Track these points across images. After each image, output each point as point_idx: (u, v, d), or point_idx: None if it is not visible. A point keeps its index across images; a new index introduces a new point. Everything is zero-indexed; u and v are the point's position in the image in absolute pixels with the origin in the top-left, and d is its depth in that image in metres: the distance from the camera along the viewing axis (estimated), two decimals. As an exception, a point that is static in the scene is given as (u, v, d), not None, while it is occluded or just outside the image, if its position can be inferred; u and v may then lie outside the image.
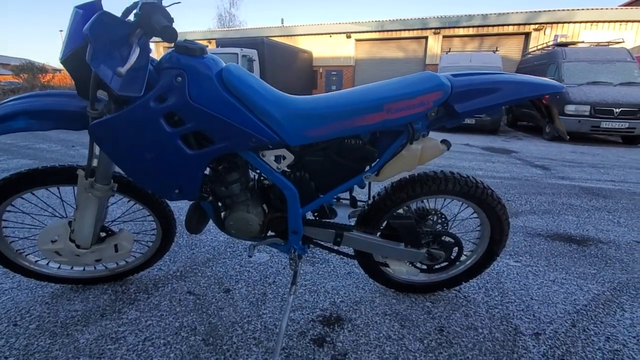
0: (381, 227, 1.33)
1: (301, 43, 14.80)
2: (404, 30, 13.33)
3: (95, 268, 1.60)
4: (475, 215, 1.38)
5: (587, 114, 6.30)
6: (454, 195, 1.24)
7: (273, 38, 12.40)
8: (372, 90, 1.02)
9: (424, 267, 1.42)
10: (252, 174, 1.27)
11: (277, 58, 10.83)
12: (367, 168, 1.13)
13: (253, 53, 9.60)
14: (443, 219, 1.40)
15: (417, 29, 13.15)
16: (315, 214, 1.33)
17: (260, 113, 1.01)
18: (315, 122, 1.02)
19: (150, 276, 1.67)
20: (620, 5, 14.20)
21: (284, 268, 1.74)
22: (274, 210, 1.24)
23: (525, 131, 8.10)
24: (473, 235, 2.02)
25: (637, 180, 3.80)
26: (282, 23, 19.27)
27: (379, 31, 13.75)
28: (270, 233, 1.31)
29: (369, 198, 1.27)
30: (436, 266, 1.39)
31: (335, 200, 1.21)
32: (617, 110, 6.09)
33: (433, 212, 1.39)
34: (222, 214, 1.27)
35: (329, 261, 1.81)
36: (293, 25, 15.43)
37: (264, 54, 9.91)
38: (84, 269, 1.59)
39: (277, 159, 1.12)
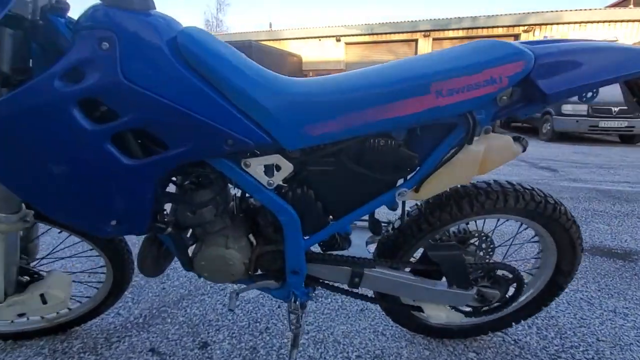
0: (411, 260, 0.98)
1: (290, 47, 14.52)
2: (394, 33, 13.22)
3: (28, 318, 1.20)
4: (535, 238, 1.04)
5: (585, 113, 6.15)
6: (515, 214, 0.90)
7: (261, 42, 12.08)
8: (412, 64, 0.68)
9: (469, 309, 1.06)
10: (233, 191, 0.90)
11: (266, 62, 10.49)
12: (401, 181, 0.77)
13: (240, 57, 9.26)
14: (489, 245, 1.06)
15: (407, 32, 13.05)
16: (321, 243, 0.97)
17: (240, 100, 0.65)
18: (323, 113, 0.67)
19: (103, 326, 1.27)
20: (607, 6, 14.45)
21: (278, 307, 1.36)
22: (264, 243, 0.87)
23: (520, 132, 7.94)
24: (521, 261, 1.69)
25: (651, 180, 3.57)
26: (270, 27, 18.98)
27: (369, 34, 13.60)
28: (259, 272, 0.93)
29: (402, 220, 0.91)
30: (486, 308, 1.04)
31: (351, 226, 0.85)
32: (616, 109, 5.95)
33: (477, 235, 1.05)
34: (191, 248, 0.89)
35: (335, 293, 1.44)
36: (281, 30, 15.17)
37: (252, 58, 9.49)
38: (11, 321, 1.18)
39: (268, 170, 0.76)
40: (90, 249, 1.09)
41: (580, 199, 2.92)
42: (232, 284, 0.93)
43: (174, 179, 0.91)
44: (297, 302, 0.88)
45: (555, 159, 4.88)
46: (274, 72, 0.72)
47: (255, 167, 0.72)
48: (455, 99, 0.64)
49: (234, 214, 0.87)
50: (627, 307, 1.39)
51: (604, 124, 6.04)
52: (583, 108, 6.12)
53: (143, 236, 0.89)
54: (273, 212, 0.77)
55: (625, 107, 5.90)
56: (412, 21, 12.97)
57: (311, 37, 14.50)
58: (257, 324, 1.26)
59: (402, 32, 13.12)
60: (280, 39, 14.78)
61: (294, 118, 0.67)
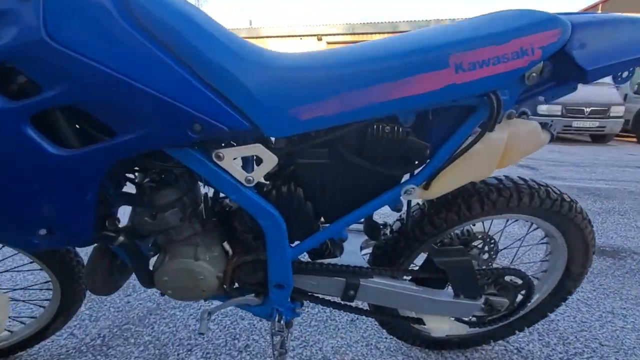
0: (410, 268, 0.87)
1: (270, 45, 14.25)
2: (375, 33, 13.25)
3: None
4: (545, 240, 0.95)
5: (559, 113, 6.33)
6: (527, 214, 0.80)
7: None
8: (427, 34, 0.56)
9: (474, 319, 0.96)
10: (204, 190, 0.75)
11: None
12: (407, 176, 0.65)
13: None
14: (493, 247, 0.96)
15: (388, 32, 13.12)
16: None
17: (210, 73, 0.50)
18: (316, 92, 0.53)
19: (53, 349, 1.08)
20: (581, 10, 15.10)
21: (260, 320, 1.22)
22: (242, 252, 0.73)
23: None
24: (527, 264, 1.61)
25: (625, 178, 3.69)
26: (250, 24, 18.59)
27: (350, 34, 13.57)
28: (236, 286, 0.79)
29: (406, 222, 0.79)
30: (492, 317, 0.94)
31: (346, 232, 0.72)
32: (588, 109, 6.17)
33: (480, 237, 0.95)
34: (152, 261, 0.73)
35: (323, 303, 1.31)
36: (262, 27, 14.86)
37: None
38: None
39: (247, 163, 0.62)
40: (30, 262, 0.90)
41: (562, 196, 2.93)
42: (204, 301, 0.78)
43: (130, 175, 0.75)
44: (282, 321, 0.74)
45: (533, 157, 4.97)
46: (252, 43, 0.58)
47: (231, 159, 0.57)
48: (478, 75, 0.52)
49: (205, 217, 0.72)
50: (624, 308, 1.34)
51: (577, 124, 6.25)
52: (557, 108, 6.30)
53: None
54: (253, 216, 0.63)
55: (597, 108, 6.13)
56: (392, 22, 13.06)
57: (292, 36, 14.30)
58: (236, 342, 1.11)
59: (383, 33, 13.18)
60: (260, 37, 14.49)
61: (278, 98, 0.53)
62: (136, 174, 0.71)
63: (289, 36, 14.34)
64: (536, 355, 1.09)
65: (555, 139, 6.99)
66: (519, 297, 0.93)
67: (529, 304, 0.97)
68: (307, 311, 1.27)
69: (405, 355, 1.07)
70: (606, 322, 1.25)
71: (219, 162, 0.57)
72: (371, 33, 13.33)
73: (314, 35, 13.93)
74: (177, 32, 0.49)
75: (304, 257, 0.88)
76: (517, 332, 1.06)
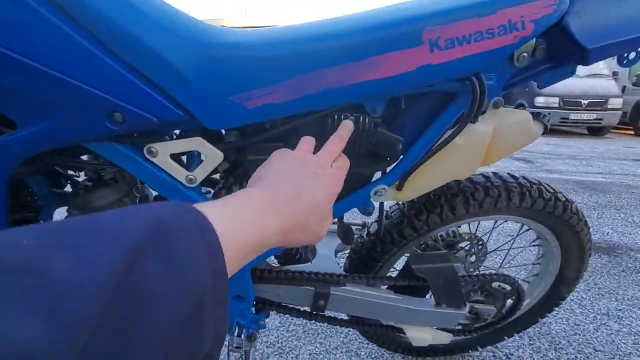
0: (388, 275, 0.79)
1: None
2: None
3: None
4: (537, 242, 0.87)
5: (556, 105, 6.24)
6: (517, 215, 0.72)
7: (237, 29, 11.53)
8: (397, 6, 0.46)
9: (459, 327, 0.89)
10: (145, 191, 0.66)
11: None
12: (379, 175, 0.56)
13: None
14: (481, 248, 0.89)
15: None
16: (277, 255, 0.76)
17: (132, 52, 0.41)
18: (264, 75, 0.44)
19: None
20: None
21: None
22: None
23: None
24: (518, 268, 1.54)
25: (622, 171, 3.63)
26: (245, 14, 18.19)
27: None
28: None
29: (380, 224, 0.70)
30: (478, 324, 0.87)
31: None
32: (585, 101, 6.08)
33: (467, 239, 0.87)
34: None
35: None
36: (256, 16, 14.58)
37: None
38: None
39: (190, 160, 0.53)
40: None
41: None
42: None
43: (71, 172, 0.66)
44: (243, 335, 0.66)
45: (528, 150, 4.90)
46: (193, 17, 0.48)
47: (166, 156, 0.48)
48: (457, 54, 0.43)
49: None
50: (620, 309, 1.28)
51: (574, 116, 6.17)
52: (555, 100, 6.21)
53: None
54: None
55: (595, 100, 6.04)
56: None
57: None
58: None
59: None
60: (255, 27, 14.22)
61: (218, 82, 0.44)
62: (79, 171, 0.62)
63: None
64: (526, 362, 1.02)
65: (548, 131, 6.93)
66: (509, 303, 0.85)
67: (519, 310, 0.90)
68: (285, 317, 1.20)
69: (387, 363, 1.00)
70: (601, 325, 1.19)
71: (152, 159, 0.48)
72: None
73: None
74: (88, 2, 0.39)
75: (272, 261, 0.80)
76: (506, 337, 0.99)
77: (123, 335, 0.17)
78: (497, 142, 0.52)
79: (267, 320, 1.11)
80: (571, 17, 0.44)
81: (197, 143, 0.48)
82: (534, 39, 0.45)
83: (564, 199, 0.71)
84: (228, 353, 0.68)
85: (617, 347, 1.09)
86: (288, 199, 0.36)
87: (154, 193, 0.68)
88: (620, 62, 0.50)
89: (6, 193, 0.46)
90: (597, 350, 1.07)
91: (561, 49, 0.46)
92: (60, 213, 0.72)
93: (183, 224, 0.22)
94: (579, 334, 1.14)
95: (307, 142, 0.44)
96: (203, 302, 0.21)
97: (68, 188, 0.66)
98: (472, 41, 0.43)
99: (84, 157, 0.58)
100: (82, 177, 0.67)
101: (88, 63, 0.40)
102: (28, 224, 0.56)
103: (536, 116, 0.55)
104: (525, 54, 0.46)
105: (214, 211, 0.27)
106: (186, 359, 0.20)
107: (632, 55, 0.49)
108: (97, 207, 0.57)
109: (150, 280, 0.18)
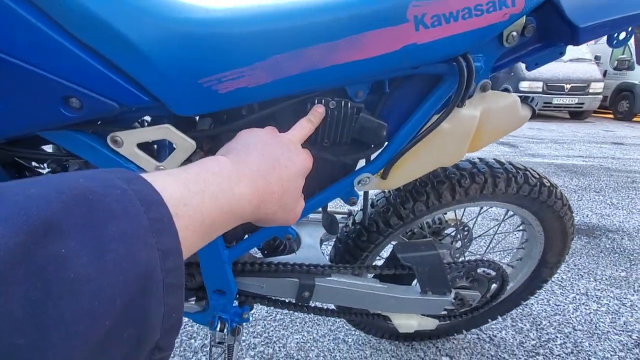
0: (373, 264, 0.78)
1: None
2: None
3: None
4: (521, 227, 0.87)
5: (540, 90, 6.32)
6: (504, 201, 0.71)
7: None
8: None
9: (444, 312, 0.89)
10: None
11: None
12: (362, 163, 0.54)
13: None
14: (467, 234, 0.89)
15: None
16: (261, 247, 0.74)
17: (88, 29, 0.37)
18: (236, 56, 0.41)
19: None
20: None
21: (221, 316, 1.12)
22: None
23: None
24: (503, 253, 1.56)
25: (602, 154, 3.73)
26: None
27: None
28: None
29: (363, 216, 0.69)
30: (463, 309, 0.88)
31: (293, 229, 0.61)
32: (568, 86, 6.18)
33: (453, 225, 0.87)
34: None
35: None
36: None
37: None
38: None
39: (161, 149, 0.49)
40: None
41: (540, 174, 2.93)
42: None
43: (35, 163, 0.61)
44: (226, 330, 0.65)
45: (513, 134, 4.97)
46: None
47: (132, 145, 0.44)
48: (443, 33, 0.40)
49: None
50: (598, 289, 1.32)
51: (557, 100, 6.27)
52: (538, 85, 6.28)
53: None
54: None
55: (577, 84, 6.14)
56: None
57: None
58: (192, 341, 1.01)
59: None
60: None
61: (185, 63, 0.40)
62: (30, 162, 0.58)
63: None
64: (509, 343, 1.05)
65: (536, 115, 7.05)
66: (493, 288, 0.86)
67: (503, 294, 0.91)
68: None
69: (374, 349, 1.01)
70: (580, 305, 1.23)
71: (117, 149, 0.44)
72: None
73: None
74: None
75: (256, 252, 0.78)
76: (490, 320, 1.01)
77: (32, 333, 0.13)
78: (485, 127, 0.50)
79: (253, 309, 1.10)
80: None
81: (165, 131, 0.44)
82: (524, 16, 0.42)
83: (549, 184, 0.71)
84: (210, 348, 0.66)
85: (596, 326, 1.12)
86: (260, 168, 0.33)
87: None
88: (610, 43, 0.48)
89: None
90: (576, 330, 1.11)
91: (551, 28, 0.44)
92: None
93: (119, 196, 0.19)
94: (559, 314, 1.18)
95: (273, 127, 0.42)
96: (148, 287, 0.18)
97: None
98: (460, 18, 0.40)
99: (47, 148, 0.54)
100: (46, 169, 0.62)
101: (37, 42, 0.36)
102: None
103: (524, 100, 0.53)
104: (514, 33, 0.43)
105: (170, 180, 0.24)
106: (128, 350, 0.18)
107: (622, 35, 0.47)
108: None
109: (65, 265, 0.15)
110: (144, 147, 0.46)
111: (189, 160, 0.50)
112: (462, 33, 0.41)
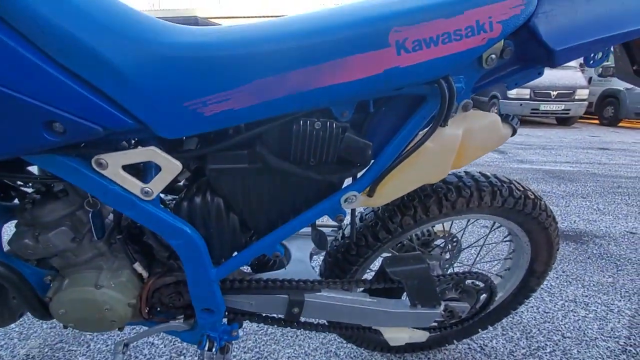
0: (363, 278, 0.78)
1: (240, 26, 13.63)
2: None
3: None
4: (508, 238, 0.89)
5: (528, 97, 6.46)
6: (490, 214, 0.72)
7: (210, 19, 11.13)
8: (364, 4, 0.44)
9: (434, 324, 0.90)
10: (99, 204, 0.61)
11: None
12: (349, 181, 0.54)
13: (184, 34, 8.38)
14: (455, 245, 0.90)
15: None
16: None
17: (67, 52, 0.37)
18: (222, 79, 0.41)
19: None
20: None
21: (211, 331, 1.11)
22: (161, 271, 0.61)
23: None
24: (491, 263, 1.57)
25: (588, 160, 3.81)
26: (220, 2, 17.64)
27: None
28: (160, 309, 0.67)
29: (351, 232, 0.69)
30: (453, 321, 0.88)
31: (281, 246, 0.62)
32: (554, 92, 6.33)
33: (443, 237, 0.88)
34: (50, 288, 0.60)
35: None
36: (232, 6, 14.18)
37: (197, 35, 8.72)
38: None
39: (147, 170, 0.49)
40: None
41: (529, 180, 2.98)
42: (119, 331, 0.66)
43: (20, 182, 0.61)
44: (215, 349, 0.64)
45: (503, 141, 5.05)
46: (140, 11, 0.44)
47: (117, 167, 0.44)
48: (424, 56, 0.41)
49: (111, 235, 0.59)
50: (586, 295, 1.34)
51: (544, 107, 6.41)
52: (526, 92, 6.42)
53: None
54: (159, 235, 0.50)
55: (563, 91, 6.29)
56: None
57: (266, 16, 13.73)
58: (182, 357, 1.00)
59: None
60: (231, 17, 13.83)
61: (170, 87, 0.40)
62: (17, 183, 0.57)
63: (261, 16, 13.76)
64: (499, 352, 1.05)
65: (521, 122, 7.19)
66: (482, 298, 0.87)
67: (492, 305, 0.92)
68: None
69: (367, 362, 1.00)
70: (569, 312, 1.24)
71: (102, 171, 0.44)
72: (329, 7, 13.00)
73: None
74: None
75: (246, 269, 0.78)
76: (480, 330, 1.01)
77: None
78: (467, 145, 0.51)
79: (243, 325, 1.09)
80: (538, 18, 0.44)
81: (150, 153, 0.44)
82: (502, 40, 0.44)
83: (533, 196, 0.72)
84: (199, 369, 0.65)
85: (584, 333, 1.14)
86: None
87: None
88: (587, 63, 0.50)
89: None
90: (565, 337, 1.12)
91: (528, 51, 0.46)
92: (9, 227, 0.67)
93: None
94: (549, 322, 1.19)
95: None
96: None
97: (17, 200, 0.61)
98: (440, 43, 0.41)
99: (32, 168, 0.53)
100: (31, 188, 0.61)
101: (17, 67, 0.36)
102: None
103: (505, 118, 0.54)
104: (493, 56, 0.45)
105: None
106: None
107: (599, 55, 0.49)
108: (47, 222, 0.52)
109: None
110: (129, 168, 0.46)
111: (175, 181, 0.50)
112: (442, 57, 0.42)
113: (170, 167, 0.45)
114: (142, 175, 0.49)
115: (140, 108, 0.40)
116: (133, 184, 0.46)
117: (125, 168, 0.46)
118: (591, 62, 0.49)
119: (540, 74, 0.51)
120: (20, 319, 1.16)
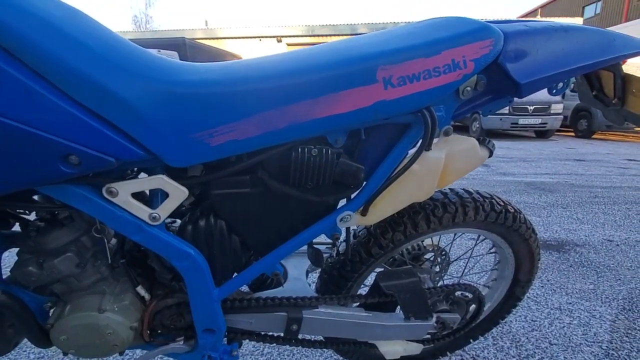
0: (358, 293, 0.81)
1: (228, 47, 13.84)
2: (335, 35, 13.35)
3: None
4: (493, 249, 0.94)
5: (507, 111, 6.75)
6: (474, 227, 0.77)
7: (197, 41, 11.27)
8: (352, 44, 0.50)
9: (428, 336, 0.92)
10: (106, 229, 0.63)
11: (202, 61, 9.77)
12: (344, 202, 0.58)
13: (173, 55, 8.44)
14: (444, 258, 0.94)
15: (347, 34, 13.29)
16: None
17: (81, 90, 0.40)
18: (226, 112, 0.45)
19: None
20: (518, 17, 16.24)
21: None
22: (162, 294, 0.62)
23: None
24: (477, 275, 1.62)
25: (566, 171, 3.98)
26: (207, 25, 17.94)
27: (310, 35, 13.57)
28: (160, 331, 0.68)
29: (346, 249, 0.73)
30: (445, 332, 0.91)
31: (280, 265, 0.64)
32: (531, 107, 6.64)
33: (431, 250, 0.92)
34: (51, 313, 0.61)
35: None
36: (219, 28, 14.42)
37: (186, 56, 8.82)
38: None
39: (153, 196, 0.52)
40: None
41: (512, 192, 3.09)
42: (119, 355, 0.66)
43: (20, 211, 0.62)
44: (215, 370, 0.65)
45: (485, 154, 5.23)
46: (146, 50, 0.48)
47: (127, 195, 0.47)
48: (408, 90, 0.47)
49: (113, 259, 0.60)
50: (570, 302, 1.40)
51: (522, 121, 6.70)
52: (505, 107, 6.72)
53: None
54: (165, 258, 0.53)
55: (540, 106, 6.61)
56: (351, 24, 13.26)
57: (251, 37, 14.01)
58: (177, 382, 0.98)
59: (342, 35, 13.33)
60: (217, 38, 14.04)
61: (179, 120, 0.44)
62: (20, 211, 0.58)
63: (247, 37, 14.04)
64: (491, 362, 1.08)
65: (502, 136, 7.47)
66: (472, 309, 0.91)
67: (481, 315, 0.96)
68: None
69: (363, 377, 1.01)
70: (554, 320, 1.29)
71: (112, 199, 0.47)
72: (330, 35, 13.43)
73: (273, 36, 13.76)
74: (34, 41, 0.38)
75: (245, 289, 0.79)
76: (472, 340, 1.05)
77: None
78: (450, 166, 0.56)
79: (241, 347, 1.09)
80: (506, 55, 0.50)
81: (159, 181, 0.47)
82: (475, 75, 0.50)
83: (512, 210, 0.78)
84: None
85: (570, 339, 1.18)
86: None
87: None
88: (550, 92, 0.56)
89: None
90: (552, 344, 1.16)
91: (499, 83, 0.52)
92: (9, 255, 0.67)
93: None
94: (536, 330, 1.23)
95: None
96: None
97: (16, 227, 0.62)
98: (422, 79, 0.47)
99: (36, 197, 0.55)
100: (32, 215, 0.63)
101: (37, 105, 0.39)
102: None
103: (482, 142, 0.60)
104: (468, 88, 0.50)
105: None
106: None
107: (560, 85, 0.56)
108: (51, 250, 0.54)
109: None
110: (136, 195, 0.49)
111: (181, 206, 0.53)
112: (424, 90, 0.47)
113: (178, 193, 0.48)
114: (147, 202, 0.52)
115: (151, 140, 0.44)
116: (141, 210, 0.48)
117: (134, 196, 0.48)
118: (554, 91, 0.56)
119: (510, 102, 0.57)
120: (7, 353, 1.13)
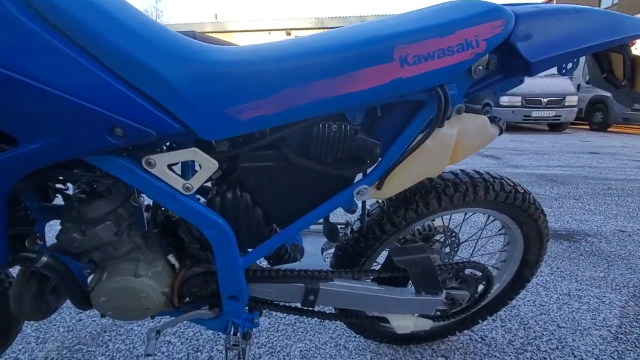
0: (372, 268, 0.85)
1: (238, 40, 13.89)
2: (343, 27, 13.27)
3: None
4: (502, 231, 0.96)
5: (519, 104, 6.64)
6: (484, 207, 0.80)
7: (207, 34, 11.36)
8: (371, 26, 0.53)
9: (437, 313, 0.96)
10: (143, 200, 0.68)
11: (211, 54, 9.84)
12: (360, 176, 0.62)
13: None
14: (454, 239, 0.97)
15: (355, 26, 13.20)
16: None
17: (130, 70, 0.45)
18: (254, 90, 0.49)
19: (-13, 382, 0.98)
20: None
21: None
22: (191, 264, 0.67)
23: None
24: (488, 256, 1.65)
25: (579, 163, 3.93)
26: (216, 19, 17.98)
27: (319, 28, 13.50)
28: (188, 299, 0.73)
29: (362, 221, 0.76)
30: (454, 309, 0.95)
31: (300, 237, 0.69)
32: (545, 100, 6.52)
33: (442, 232, 0.95)
34: (89, 279, 0.66)
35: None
36: (228, 21, 14.47)
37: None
38: None
39: (187, 168, 0.57)
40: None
41: (523, 183, 3.07)
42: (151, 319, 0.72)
43: (60, 185, 0.68)
44: (239, 334, 0.70)
45: (496, 147, 5.18)
46: (182, 35, 0.52)
47: (164, 166, 0.52)
48: (423, 69, 0.50)
49: (147, 229, 0.65)
50: (579, 289, 1.41)
51: (535, 113, 6.59)
52: (517, 100, 6.61)
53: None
54: (196, 226, 0.57)
55: (554, 98, 6.48)
56: (360, 16, 13.16)
57: (260, 30, 14.03)
58: (198, 354, 1.05)
59: (352, 27, 13.24)
60: (227, 31, 14.10)
61: (213, 97, 0.48)
62: (67, 184, 0.64)
63: (256, 30, 14.06)
64: (499, 342, 1.11)
65: (514, 129, 7.36)
66: (480, 288, 0.94)
67: (490, 294, 0.99)
68: (275, 316, 1.23)
69: (374, 353, 1.06)
70: (563, 304, 1.31)
71: (150, 170, 0.51)
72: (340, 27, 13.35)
73: (283, 29, 13.74)
74: (86, 24, 0.42)
75: (262, 262, 0.84)
76: (480, 321, 1.08)
77: None
78: (461, 143, 0.59)
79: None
80: (517, 35, 0.52)
81: (193, 153, 0.52)
82: (487, 54, 0.52)
83: (522, 190, 0.80)
84: (226, 351, 0.71)
85: (578, 323, 1.20)
86: None
87: (146, 201, 0.70)
88: (559, 72, 0.59)
89: (6, 209, 0.48)
90: (560, 327, 1.18)
91: (510, 62, 0.54)
92: (51, 225, 0.73)
93: None
94: (545, 314, 1.25)
95: None
96: None
97: (57, 201, 0.67)
98: (436, 57, 0.50)
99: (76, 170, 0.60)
100: (70, 189, 0.68)
101: (89, 81, 0.43)
102: (23, 238, 0.59)
103: (493, 119, 0.63)
104: (480, 67, 0.53)
105: None
106: None
107: (570, 65, 0.58)
108: (92, 219, 0.59)
109: None
110: (170, 167, 0.54)
111: (210, 179, 0.58)
112: (438, 69, 0.50)
113: (209, 165, 0.52)
114: (181, 174, 0.56)
115: (187, 115, 0.48)
116: (176, 180, 0.53)
117: (169, 167, 0.53)
118: (563, 71, 0.58)
119: (521, 81, 0.60)
120: (36, 324, 1.21)
